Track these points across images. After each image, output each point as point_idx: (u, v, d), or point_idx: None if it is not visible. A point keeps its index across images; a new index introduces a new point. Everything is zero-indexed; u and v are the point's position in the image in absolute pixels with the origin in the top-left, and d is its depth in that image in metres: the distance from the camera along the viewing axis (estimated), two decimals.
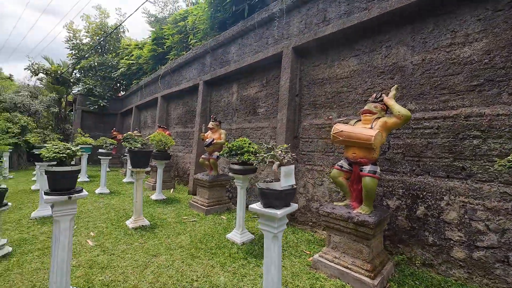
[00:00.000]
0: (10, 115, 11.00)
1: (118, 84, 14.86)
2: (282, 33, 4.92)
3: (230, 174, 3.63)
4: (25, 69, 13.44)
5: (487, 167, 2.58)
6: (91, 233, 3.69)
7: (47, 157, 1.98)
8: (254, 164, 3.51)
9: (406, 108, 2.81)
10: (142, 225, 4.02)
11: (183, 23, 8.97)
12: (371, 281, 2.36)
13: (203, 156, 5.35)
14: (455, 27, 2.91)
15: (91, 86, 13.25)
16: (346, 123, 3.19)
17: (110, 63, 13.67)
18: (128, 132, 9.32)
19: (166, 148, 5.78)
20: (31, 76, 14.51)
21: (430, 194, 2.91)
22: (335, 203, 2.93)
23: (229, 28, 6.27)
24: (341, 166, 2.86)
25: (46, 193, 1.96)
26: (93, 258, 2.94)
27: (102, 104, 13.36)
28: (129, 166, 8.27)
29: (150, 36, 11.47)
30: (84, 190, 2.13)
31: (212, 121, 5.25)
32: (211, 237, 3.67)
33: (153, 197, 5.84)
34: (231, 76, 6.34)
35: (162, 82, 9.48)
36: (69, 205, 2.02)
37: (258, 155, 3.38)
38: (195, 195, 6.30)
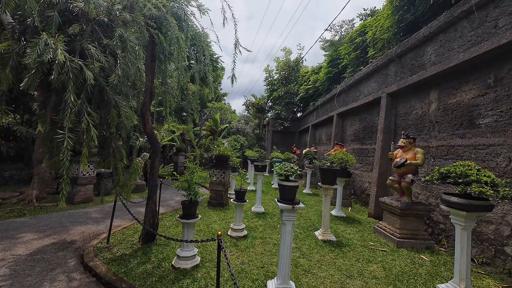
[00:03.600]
0: (236, 136, 16.62)
1: (297, 107, 17.55)
2: None
3: (442, 206, 2.86)
4: (243, 104, 19.95)
5: None
6: None
7: (279, 173, 2.66)
8: (490, 200, 2.50)
9: None
10: (330, 240, 4.22)
11: (360, 39, 8.85)
12: None
13: (391, 177, 4.74)
14: None
15: (279, 112, 16.76)
16: None
17: (292, 91, 16.57)
18: (307, 149, 10.56)
19: (347, 166, 5.79)
20: (245, 109, 21.18)
21: None
22: None
23: (422, 27, 5.27)
24: None
25: (278, 201, 2.62)
26: (296, 259, 3.49)
27: (286, 125, 16.39)
28: (309, 179, 9.27)
29: (325, 60, 12.51)
30: (301, 203, 2.61)
31: (403, 138, 4.56)
32: (412, 280, 3.06)
33: (333, 212, 6.01)
34: (427, 82, 5.21)
35: (338, 100, 9.84)
36: (292, 213, 2.55)
37: (500, 188, 2.41)
38: (378, 219, 5.71)
